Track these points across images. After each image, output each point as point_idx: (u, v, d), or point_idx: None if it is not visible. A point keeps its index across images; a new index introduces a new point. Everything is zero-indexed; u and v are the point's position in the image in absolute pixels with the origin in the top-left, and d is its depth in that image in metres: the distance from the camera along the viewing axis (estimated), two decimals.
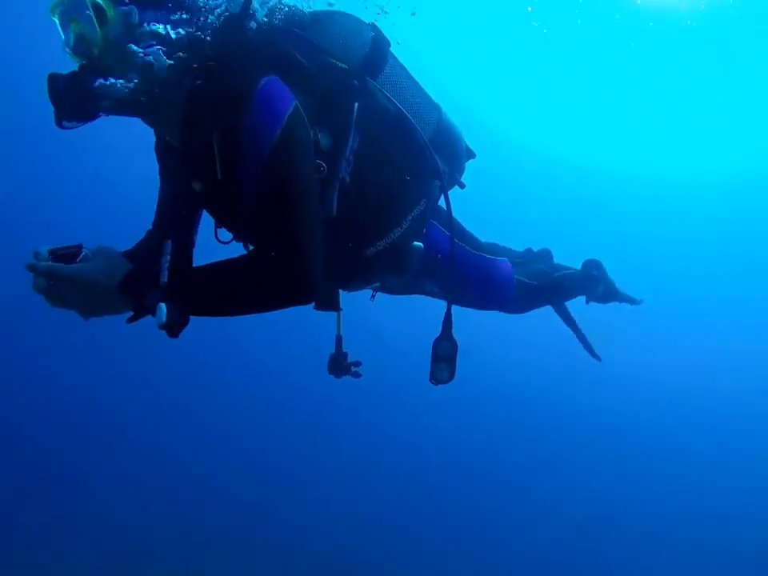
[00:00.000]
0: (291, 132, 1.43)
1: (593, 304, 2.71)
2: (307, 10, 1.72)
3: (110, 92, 1.39)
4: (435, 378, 1.94)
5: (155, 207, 1.87)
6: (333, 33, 1.69)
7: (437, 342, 1.94)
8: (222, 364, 12.27)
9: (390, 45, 1.81)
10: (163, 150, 1.74)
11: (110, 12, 1.38)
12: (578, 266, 2.61)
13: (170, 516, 7.63)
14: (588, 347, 2.75)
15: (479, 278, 2.13)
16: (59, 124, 1.41)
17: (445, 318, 1.96)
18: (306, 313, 1.76)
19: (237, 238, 1.78)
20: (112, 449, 9.19)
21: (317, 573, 7.19)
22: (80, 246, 1.43)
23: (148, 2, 1.42)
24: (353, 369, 2.21)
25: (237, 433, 10.56)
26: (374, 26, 1.81)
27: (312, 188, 1.49)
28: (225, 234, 1.79)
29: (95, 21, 1.37)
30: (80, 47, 1.41)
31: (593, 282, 2.59)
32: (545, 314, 2.59)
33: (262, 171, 1.40)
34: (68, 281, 1.37)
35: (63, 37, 1.44)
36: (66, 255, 1.40)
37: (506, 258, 2.26)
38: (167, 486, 8.39)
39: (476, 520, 9.03)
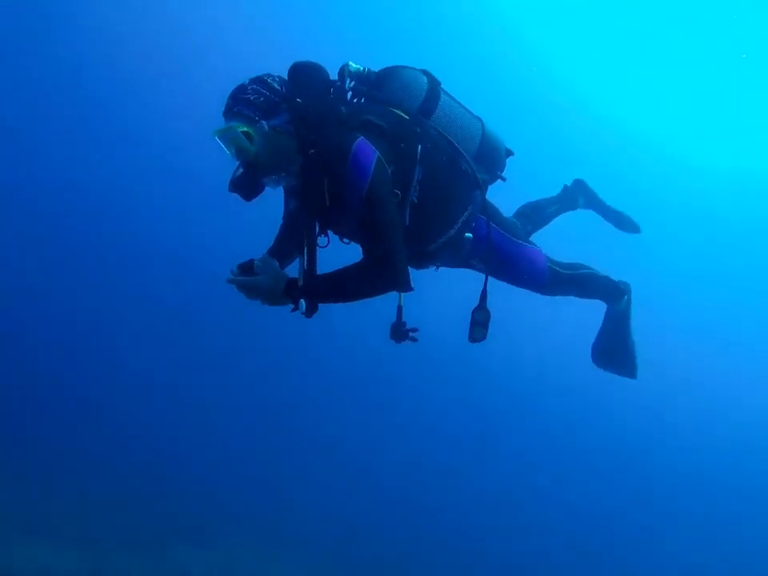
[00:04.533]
0: (378, 176, 2.15)
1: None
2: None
3: (270, 182, 2.28)
4: (473, 338, 2.57)
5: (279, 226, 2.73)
6: (396, 87, 2.41)
7: (475, 311, 2.57)
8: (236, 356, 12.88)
9: (440, 84, 2.49)
10: (287, 192, 2.52)
11: (253, 132, 2.15)
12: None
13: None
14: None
15: (514, 258, 2.70)
16: (247, 200, 2.27)
17: (482, 292, 2.59)
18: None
19: (343, 237, 2.50)
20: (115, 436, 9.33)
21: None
22: (252, 260, 2.24)
23: (270, 115, 2.17)
24: (410, 335, 2.75)
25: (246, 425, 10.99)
26: (426, 72, 2.49)
27: (395, 209, 2.22)
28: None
29: (248, 141, 2.16)
30: (241, 156, 2.20)
31: (618, 294, 3.01)
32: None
33: (365, 204, 2.13)
34: (252, 288, 2.19)
35: (226, 150, 2.22)
36: (247, 268, 2.22)
37: (540, 249, 2.82)
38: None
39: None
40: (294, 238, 2.59)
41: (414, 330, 2.75)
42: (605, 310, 3.13)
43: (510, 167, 2.76)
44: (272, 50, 14.32)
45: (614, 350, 3.11)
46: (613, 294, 3.04)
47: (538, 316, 12.02)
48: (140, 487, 7.90)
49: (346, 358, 13.19)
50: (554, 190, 3.42)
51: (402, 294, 2.64)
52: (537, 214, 3.22)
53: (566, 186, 3.44)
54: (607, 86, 15.27)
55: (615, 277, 3.06)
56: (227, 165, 2.29)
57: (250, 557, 7.29)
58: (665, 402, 13.56)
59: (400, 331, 2.73)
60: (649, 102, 15.17)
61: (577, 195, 3.42)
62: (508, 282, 2.80)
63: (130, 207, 14.65)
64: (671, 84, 14.74)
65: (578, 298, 3.01)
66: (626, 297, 3.06)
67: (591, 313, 3.20)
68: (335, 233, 2.48)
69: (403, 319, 2.73)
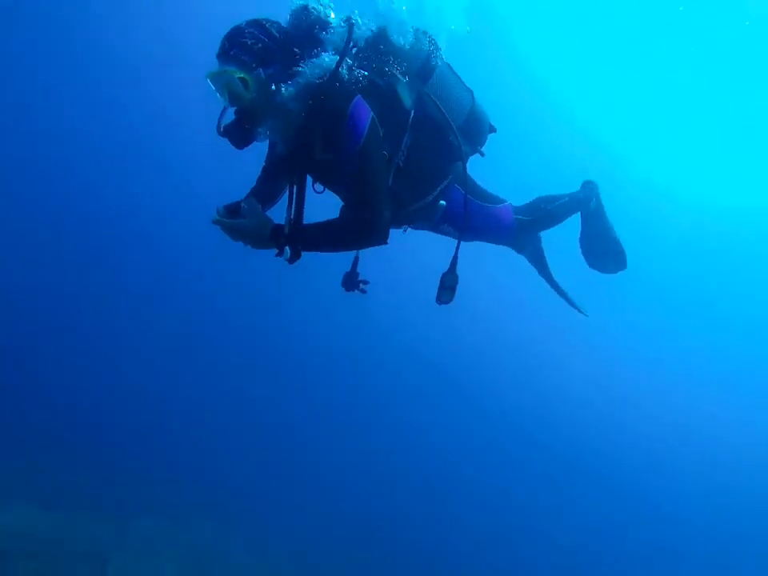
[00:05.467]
0: (370, 137, 2.22)
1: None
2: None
3: (262, 131, 2.26)
4: (440, 300, 2.67)
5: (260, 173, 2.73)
6: (399, 46, 2.40)
7: (444, 275, 2.67)
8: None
9: (440, 50, 2.51)
10: (274, 138, 2.52)
11: (249, 79, 2.16)
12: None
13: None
14: (571, 303, 3.28)
15: (485, 222, 2.81)
16: (239, 148, 2.27)
17: (452, 259, 2.68)
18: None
19: (327, 188, 2.56)
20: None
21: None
22: (239, 202, 2.32)
23: (267, 63, 2.18)
24: (361, 286, 2.89)
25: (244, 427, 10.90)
26: (429, 36, 2.50)
27: (383, 169, 2.30)
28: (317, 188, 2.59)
29: (243, 88, 2.16)
30: (235, 102, 2.20)
31: (584, 202, 3.09)
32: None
33: (356, 160, 2.20)
34: (238, 230, 2.25)
35: (217, 93, 2.20)
36: (233, 210, 2.30)
37: (508, 204, 2.92)
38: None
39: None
40: (276, 181, 2.65)
41: (365, 282, 2.88)
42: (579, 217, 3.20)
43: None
44: None
45: (600, 243, 3.19)
46: (579, 206, 3.12)
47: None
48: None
49: (332, 357, 13.25)
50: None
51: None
52: None
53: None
54: (606, 117, 15.51)
55: (574, 188, 3.15)
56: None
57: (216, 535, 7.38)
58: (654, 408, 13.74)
59: (352, 281, 2.88)
60: (646, 137, 15.43)
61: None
62: (480, 241, 2.91)
63: (124, 207, 14.64)
64: (670, 120, 15.00)
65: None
66: (593, 200, 3.13)
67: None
68: (321, 183, 2.54)
69: (357, 270, 2.87)
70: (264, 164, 2.71)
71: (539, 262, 3.23)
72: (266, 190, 2.67)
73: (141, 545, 6.60)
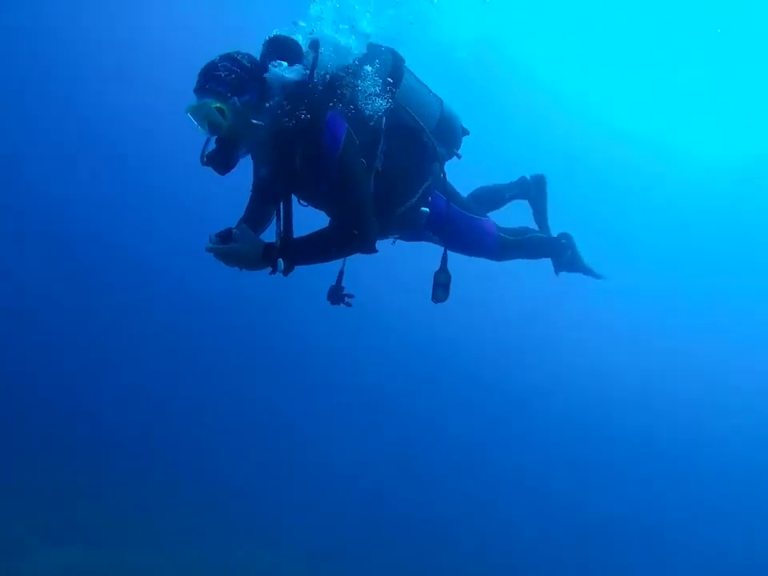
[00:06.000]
0: (347, 147, 2.35)
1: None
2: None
3: (242, 154, 2.37)
4: (435, 298, 2.75)
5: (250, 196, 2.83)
6: (367, 60, 2.52)
7: (437, 273, 2.78)
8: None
9: (404, 62, 2.68)
10: (258, 162, 2.65)
11: (225, 108, 2.24)
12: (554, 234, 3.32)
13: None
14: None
15: (467, 231, 2.93)
16: (222, 174, 2.36)
17: (442, 257, 2.80)
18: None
19: (311, 204, 2.66)
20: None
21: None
22: (231, 229, 2.41)
23: (241, 92, 2.27)
24: (346, 299, 2.99)
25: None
26: (392, 50, 2.66)
27: (364, 176, 2.42)
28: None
29: (221, 117, 2.25)
30: (215, 131, 2.30)
31: (561, 249, 3.28)
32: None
33: (336, 171, 2.34)
34: (231, 255, 2.35)
35: (198, 126, 2.30)
36: (225, 236, 2.38)
37: (490, 219, 3.06)
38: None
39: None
40: (265, 206, 2.76)
41: (350, 296, 3.01)
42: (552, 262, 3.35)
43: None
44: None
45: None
46: (556, 251, 3.28)
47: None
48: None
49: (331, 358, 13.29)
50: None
51: (346, 260, 2.90)
52: (492, 199, 3.37)
53: (524, 177, 3.50)
54: (585, 76, 15.09)
55: (556, 232, 3.34)
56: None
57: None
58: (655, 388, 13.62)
59: (337, 294, 2.99)
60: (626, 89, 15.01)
61: (531, 188, 3.47)
62: (461, 253, 3.00)
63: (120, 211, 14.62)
64: (648, 69, 14.54)
65: (526, 260, 3.26)
66: (569, 251, 3.29)
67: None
68: (306, 201, 2.65)
69: (342, 284, 2.98)
70: (251, 191, 2.82)
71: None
72: (255, 215, 2.78)
73: (142, 545, 6.61)
